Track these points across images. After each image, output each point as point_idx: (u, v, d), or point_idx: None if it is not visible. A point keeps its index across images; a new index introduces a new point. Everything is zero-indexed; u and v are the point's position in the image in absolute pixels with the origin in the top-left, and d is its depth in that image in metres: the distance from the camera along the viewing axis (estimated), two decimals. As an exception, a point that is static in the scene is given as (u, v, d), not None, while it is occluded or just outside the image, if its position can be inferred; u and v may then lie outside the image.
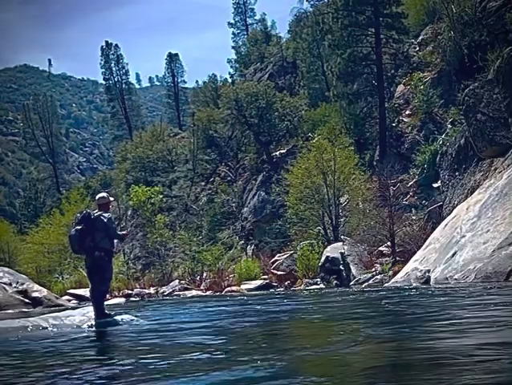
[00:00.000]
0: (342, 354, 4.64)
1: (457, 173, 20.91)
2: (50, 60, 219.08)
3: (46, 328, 8.15)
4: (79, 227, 8.20)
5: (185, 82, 76.91)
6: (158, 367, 4.54)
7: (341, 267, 21.31)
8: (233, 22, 68.02)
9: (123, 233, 9.85)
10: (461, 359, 3.93)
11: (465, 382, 3.30)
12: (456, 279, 13.78)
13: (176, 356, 4.98)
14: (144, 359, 4.97)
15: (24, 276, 21.52)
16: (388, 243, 22.12)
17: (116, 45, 67.93)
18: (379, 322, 7.05)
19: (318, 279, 22.68)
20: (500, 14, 22.35)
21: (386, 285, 17.62)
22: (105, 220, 8.24)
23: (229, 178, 41.41)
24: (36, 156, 68.09)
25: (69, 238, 8.50)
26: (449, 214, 18.47)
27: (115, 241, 8.84)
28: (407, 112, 29.96)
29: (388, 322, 6.83)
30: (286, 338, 6.39)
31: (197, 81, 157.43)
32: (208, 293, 26.21)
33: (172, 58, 71.16)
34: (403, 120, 29.55)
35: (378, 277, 19.67)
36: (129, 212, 43.13)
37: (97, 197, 8.82)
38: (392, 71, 31.94)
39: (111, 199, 8.98)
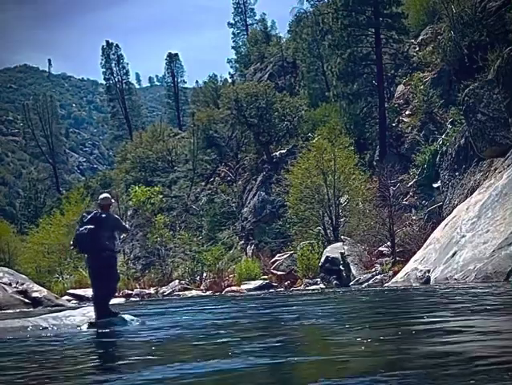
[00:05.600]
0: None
1: (457, 173, 20.90)
2: (50, 60, 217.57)
3: (46, 328, 8.15)
4: (89, 226, 8.04)
5: (185, 82, 76.92)
6: (157, 365, 4.54)
7: (341, 267, 21.30)
8: (233, 22, 68.10)
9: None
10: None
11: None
12: (456, 279, 13.79)
13: (175, 354, 4.98)
14: (144, 358, 4.97)
15: (24, 276, 21.53)
16: (388, 243, 22.11)
17: (117, 45, 67.95)
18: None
19: (318, 279, 22.67)
20: (500, 14, 22.38)
21: (386, 285, 17.63)
22: (114, 220, 8.46)
23: (229, 178, 41.38)
24: (36, 156, 68.09)
25: (77, 237, 8.21)
26: (449, 214, 18.47)
27: (122, 236, 9.03)
28: (407, 112, 29.94)
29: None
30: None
31: (197, 81, 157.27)
32: (208, 293, 26.21)
33: (172, 58, 71.14)
34: (403, 120, 29.54)
35: (378, 277, 19.67)
36: (129, 212, 43.10)
37: (101, 198, 8.62)
38: (392, 71, 31.94)
39: (113, 201, 8.99)
